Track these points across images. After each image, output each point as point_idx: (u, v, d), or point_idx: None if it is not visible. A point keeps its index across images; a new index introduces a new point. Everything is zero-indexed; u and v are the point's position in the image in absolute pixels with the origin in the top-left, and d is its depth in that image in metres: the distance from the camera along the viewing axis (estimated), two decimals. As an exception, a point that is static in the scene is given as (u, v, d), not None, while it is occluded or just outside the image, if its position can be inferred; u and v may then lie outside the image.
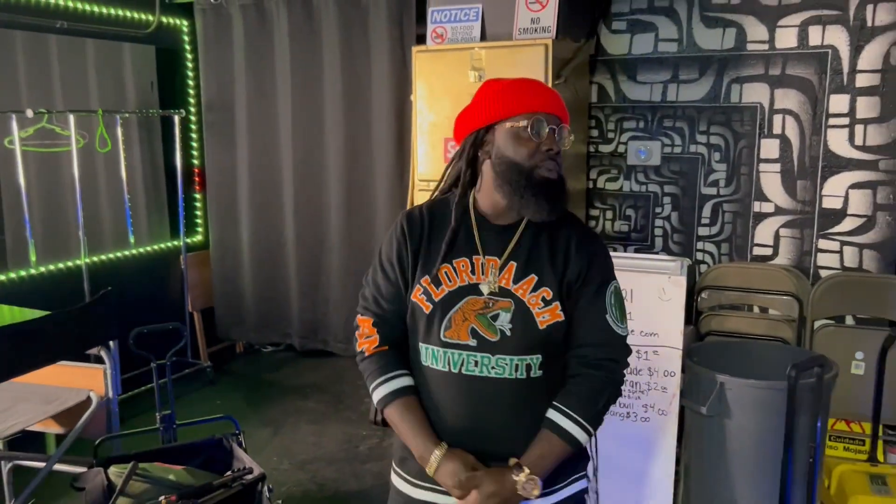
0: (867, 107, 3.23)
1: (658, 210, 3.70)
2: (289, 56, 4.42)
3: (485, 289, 1.46)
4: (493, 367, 1.44)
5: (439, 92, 3.43)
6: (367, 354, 1.53)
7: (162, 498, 2.01)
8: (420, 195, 3.54)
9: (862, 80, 3.23)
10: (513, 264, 1.48)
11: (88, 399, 2.68)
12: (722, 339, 3.37)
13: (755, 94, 3.43)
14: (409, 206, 3.21)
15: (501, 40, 3.29)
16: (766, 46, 3.38)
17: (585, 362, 1.47)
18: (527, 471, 1.39)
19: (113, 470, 2.28)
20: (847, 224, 3.34)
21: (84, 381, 2.77)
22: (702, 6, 3.48)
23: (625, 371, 1.51)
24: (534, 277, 1.47)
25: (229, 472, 2.47)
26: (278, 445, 3.68)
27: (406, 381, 1.51)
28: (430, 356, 1.48)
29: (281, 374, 4.73)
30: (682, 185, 3.63)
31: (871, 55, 3.19)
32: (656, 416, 2.71)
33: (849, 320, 3.31)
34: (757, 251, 3.52)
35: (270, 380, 4.67)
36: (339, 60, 4.27)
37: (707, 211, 3.60)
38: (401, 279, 1.52)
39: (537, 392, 1.47)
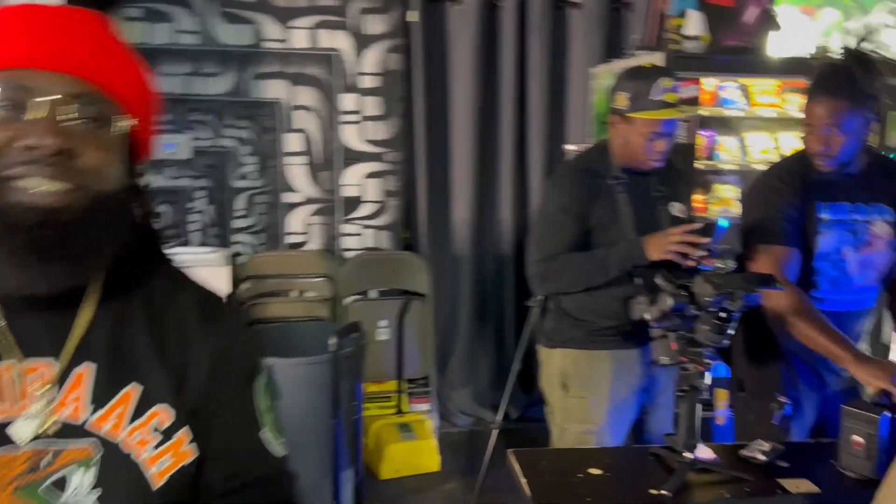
0: (372, 105, 3.66)
1: (192, 205, 3.64)
2: None
3: (25, 431, 0.76)
4: None
5: None
6: None
7: None
8: None
9: (366, 82, 3.64)
10: (88, 367, 0.80)
11: None
12: (266, 326, 3.50)
13: (276, 90, 3.59)
14: None
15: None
16: (282, 45, 3.57)
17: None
18: None
19: None
20: (365, 209, 3.75)
21: None
22: (220, 1, 3.50)
23: None
24: (135, 388, 0.81)
25: None
26: None
27: None
28: None
29: None
30: (216, 179, 3.63)
31: (372, 60, 3.63)
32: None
33: (372, 293, 3.72)
34: (291, 239, 3.72)
35: None
36: None
37: (241, 203, 3.66)
38: None
39: None
